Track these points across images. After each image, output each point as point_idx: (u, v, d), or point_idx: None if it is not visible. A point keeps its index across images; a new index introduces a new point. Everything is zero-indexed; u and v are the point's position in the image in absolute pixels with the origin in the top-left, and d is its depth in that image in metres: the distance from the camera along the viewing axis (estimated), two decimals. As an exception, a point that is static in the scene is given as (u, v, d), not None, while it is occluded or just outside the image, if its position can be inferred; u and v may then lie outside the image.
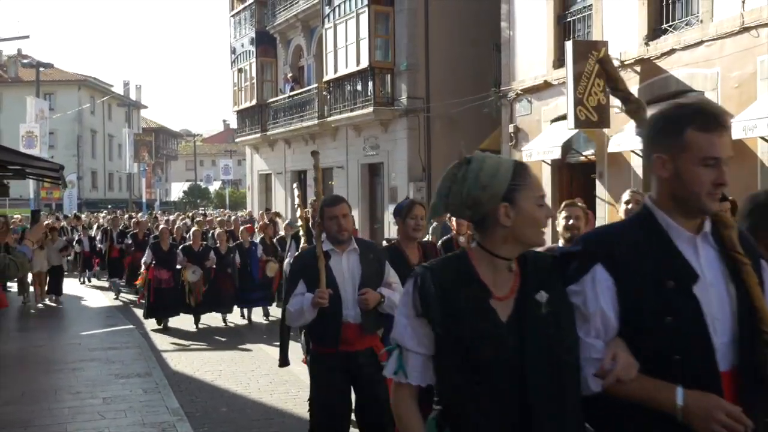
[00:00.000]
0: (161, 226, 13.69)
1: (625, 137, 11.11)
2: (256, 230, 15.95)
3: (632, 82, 11.86)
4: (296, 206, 7.50)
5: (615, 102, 11.85)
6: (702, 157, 1.99)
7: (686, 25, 11.00)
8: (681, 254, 2.03)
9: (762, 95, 9.38)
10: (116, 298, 16.15)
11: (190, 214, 26.45)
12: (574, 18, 13.40)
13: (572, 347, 2.03)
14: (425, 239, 6.27)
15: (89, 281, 19.39)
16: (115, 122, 55.56)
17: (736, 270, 2.03)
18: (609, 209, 11.94)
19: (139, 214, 25.95)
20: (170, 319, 12.12)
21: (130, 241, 15.82)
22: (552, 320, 2.02)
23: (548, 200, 2.42)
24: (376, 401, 4.20)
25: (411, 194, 17.73)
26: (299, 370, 5.90)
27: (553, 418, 1.98)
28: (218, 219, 18.32)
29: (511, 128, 14.94)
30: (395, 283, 4.45)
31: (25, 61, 47.87)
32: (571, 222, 4.59)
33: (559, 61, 13.21)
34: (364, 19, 18.56)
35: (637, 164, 11.58)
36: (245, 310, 12.86)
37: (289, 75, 24.16)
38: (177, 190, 66.59)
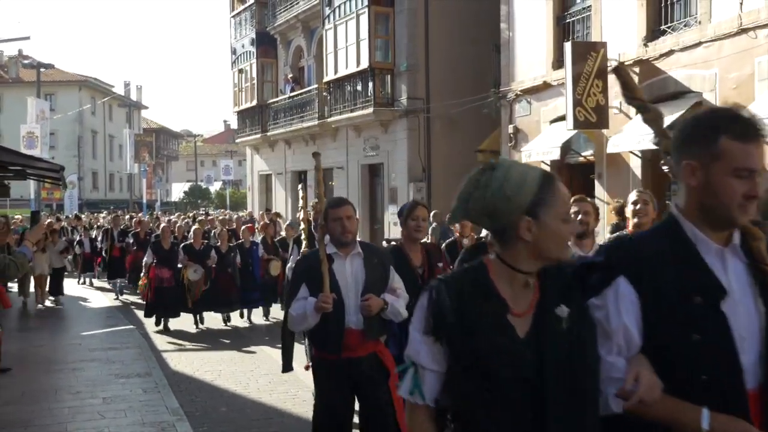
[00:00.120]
0: (162, 225, 13.67)
1: (623, 138, 11.13)
2: (256, 230, 15.98)
3: (631, 83, 11.89)
4: (300, 208, 7.50)
5: (613, 103, 11.96)
6: (735, 167, 1.89)
7: (685, 26, 11.03)
8: (709, 268, 1.93)
9: (760, 96, 9.41)
10: (117, 299, 16.17)
11: (191, 214, 26.49)
12: (573, 19, 13.44)
13: (593, 365, 1.94)
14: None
15: (91, 284, 19.40)
16: (116, 123, 55.61)
17: (765, 283, 1.94)
18: (606, 209, 11.96)
19: (140, 215, 25.99)
20: (171, 319, 12.12)
21: (131, 240, 15.84)
22: (572, 336, 1.92)
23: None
24: (378, 408, 4.17)
25: (411, 194, 17.76)
26: (299, 371, 5.93)
27: None
28: (220, 218, 18.35)
29: (510, 129, 14.97)
30: (400, 289, 4.37)
31: (25, 61, 47.99)
32: (580, 217, 4.58)
33: (558, 62, 13.24)
34: (364, 19, 18.60)
35: (635, 165, 11.62)
36: (245, 310, 12.86)
37: (290, 76, 24.20)
38: (178, 191, 66.62)
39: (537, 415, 1.89)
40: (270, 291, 12.71)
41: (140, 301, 14.07)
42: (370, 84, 18.45)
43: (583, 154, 13.17)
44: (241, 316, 12.81)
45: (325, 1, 20.37)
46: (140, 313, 13.34)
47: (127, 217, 21.59)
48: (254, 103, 25.56)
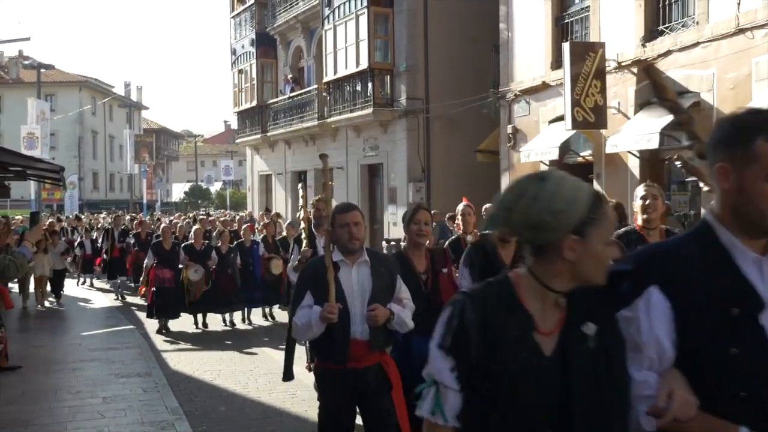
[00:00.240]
0: (163, 226, 13.66)
1: (621, 138, 11.16)
2: (257, 229, 16.01)
3: (629, 84, 11.94)
4: (300, 207, 7.49)
5: (612, 103, 11.99)
6: None
7: (682, 26, 11.06)
8: (746, 278, 1.81)
9: (757, 96, 9.43)
10: (117, 299, 16.20)
11: (192, 214, 26.50)
12: (571, 19, 13.47)
13: (624, 386, 1.83)
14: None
15: (91, 285, 19.42)
16: (116, 123, 55.68)
17: None
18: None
19: (140, 215, 26.01)
20: (171, 320, 12.14)
21: (132, 241, 15.86)
22: (601, 355, 1.82)
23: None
24: (381, 419, 4.12)
25: (410, 194, 17.81)
26: (298, 370, 5.91)
27: None
28: (221, 219, 18.34)
29: (509, 129, 15.00)
30: (406, 299, 4.26)
31: (26, 62, 48.15)
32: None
33: (557, 63, 13.28)
34: (363, 20, 18.63)
35: (634, 165, 11.65)
36: (245, 311, 12.83)
37: (289, 76, 24.25)
38: (178, 191, 66.69)
39: None
40: (271, 291, 12.66)
41: (140, 301, 14.10)
42: (370, 84, 18.49)
43: (581, 154, 13.21)
44: (243, 320, 12.71)
45: (324, 2, 20.41)
46: (140, 314, 13.37)
47: (128, 217, 21.60)
48: (254, 103, 25.60)
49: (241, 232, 13.43)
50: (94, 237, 19.16)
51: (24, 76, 48.96)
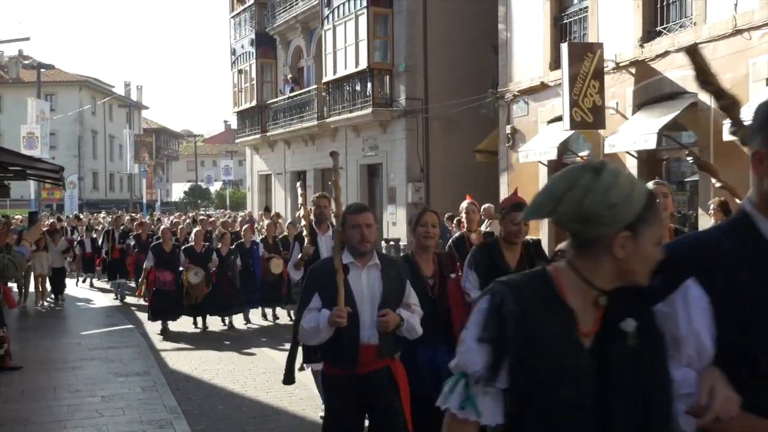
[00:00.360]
0: (162, 227, 13.58)
1: (620, 138, 11.20)
2: (257, 229, 16.02)
3: (627, 84, 11.97)
4: (299, 205, 7.49)
5: (610, 103, 12.02)
6: None
7: (680, 27, 11.10)
8: None
9: (754, 97, 9.46)
10: (116, 299, 16.21)
11: (191, 215, 26.49)
12: (570, 20, 13.50)
13: (665, 386, 1.75)
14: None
15: (91, 285, 19.43)
16: (116, 123, 55.68)
17: None
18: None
19: (140, 215, 26.03)
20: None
21: (132, 242, 15.83)
22: (641, 354, 1.74)
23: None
24: (390, 423, 4.04)
25: (410, 194, 17.85)
26: (296, 370, 6.00)
27: None
28: (221, 220, 18.33)
29: (508, 129, 15.04)
30: (415, 305, 4.16)
31: (26, 62, 48.18)
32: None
33: (555, 63, 13.30)
34: (363, 20, 18.67)
35: (632, 165, 11.67)
36: (244, 312, 12.80)
37: (289, 76, 24.28)
38: (178, 191, 66.74)
39: None
40: (271, 291, 12.61)
41: (140, 301, 14.11)
42: (369, 84, 18.52)
43: (580, 154, 13.23)
44: (244, 323, 12.60)
45: (324, 2, 20.45)
46: (139, 314, 13.40)
47: (127, 218, 21.60)
48: (254, 103, 25.63)
49: (242, 232, 13.42)
50: (94, 236, 19.16)
51: (24, 75, 48.99)
